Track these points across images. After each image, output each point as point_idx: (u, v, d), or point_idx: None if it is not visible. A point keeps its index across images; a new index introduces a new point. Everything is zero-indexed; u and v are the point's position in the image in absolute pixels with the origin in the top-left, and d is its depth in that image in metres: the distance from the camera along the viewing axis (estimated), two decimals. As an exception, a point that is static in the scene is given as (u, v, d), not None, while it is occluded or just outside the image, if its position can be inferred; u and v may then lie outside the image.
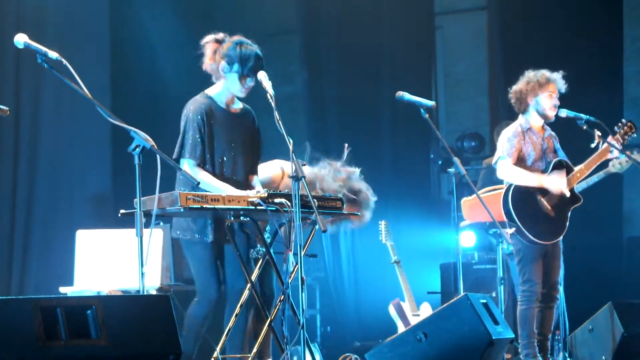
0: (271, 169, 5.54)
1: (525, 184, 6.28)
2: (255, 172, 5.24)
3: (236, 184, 5.02)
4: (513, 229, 6.16)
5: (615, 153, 6.43)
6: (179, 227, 5.05)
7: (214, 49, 5.12)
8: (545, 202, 6.29)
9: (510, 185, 6.30)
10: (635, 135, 6.51)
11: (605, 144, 6.39)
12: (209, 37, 5.15)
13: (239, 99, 5.21)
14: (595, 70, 8.78)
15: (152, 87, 8.93)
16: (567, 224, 6.32)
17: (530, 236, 6.17)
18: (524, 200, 6.27)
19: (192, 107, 5.06)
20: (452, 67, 10.32)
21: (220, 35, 5.15)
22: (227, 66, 5.07)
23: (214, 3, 9.79)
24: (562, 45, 8.78)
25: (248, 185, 5.14)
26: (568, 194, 6.33)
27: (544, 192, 6.32)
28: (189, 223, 5.01)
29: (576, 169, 6.40)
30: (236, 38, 5.12)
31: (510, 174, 6.29)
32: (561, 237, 6.34)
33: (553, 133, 6.53)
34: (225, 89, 5.13)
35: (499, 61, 9.28)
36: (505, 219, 6.13)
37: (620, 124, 6.51)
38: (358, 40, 9.44)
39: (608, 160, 6.58)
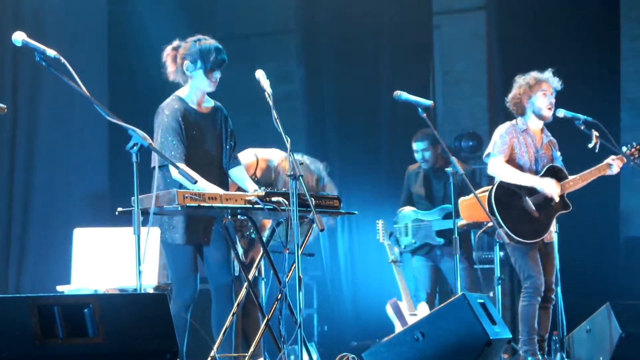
0: (245, 157, 5.57)
1: (517, 182, 6.28)
2: (233, 165, 5.24)
3: (214, 181, 5.02)
4: (490, 224, 6.17)
5: (614, 171, 6.43)
6: (159, 225, 5.06)
7: (172, 56, 5.15)
8: (530, 202, 6.29)
9: (496, 182, 6.32)
10: None
11: (606, 163, 6.40)
12: (167, 49, 5.18)
13: (210, 95, 5.22)
14: (593, 70, 8.78)
15: (150, 85, 8.91)
16: (551, 226, 6.32)
17: (511, 234, 6.17)
18: (507, 198, 6.27)
19: (167, 112, 5.07)
20: (451, 66, 10.32)
21: (176, 43, 5.18)
22: (190, 65, 5.10)
23: (212, 2, 9.78)
24: (559, 45, 8.78)
25: (226, 180, 5.18)
26: (557, 199, 6.32)
27: (531, 192, 6.32)
28: (165, 223, 5.02)
29: (570, 177, 6.39)
30: (193, 37, 5.15)
31: (502, 171, 6.30)
32: (545, 238, 6.32)
33: (553, 139, 6.52)
34: (194, 87, 5.15)
35: (497, 61, 9.28)
36: (488, 215, 6.13)
37: (629, 145, 6.52)
38: (356, 39, 9.43)
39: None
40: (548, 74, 6.41)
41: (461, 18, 10.32)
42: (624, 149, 6.52)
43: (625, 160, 6.44)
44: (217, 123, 5.22)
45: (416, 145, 7.55)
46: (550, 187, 6.27)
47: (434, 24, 9.83)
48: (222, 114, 5.26)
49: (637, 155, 6.50)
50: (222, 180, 5.17)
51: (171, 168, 4.84)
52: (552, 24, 8.95)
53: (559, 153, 6.52)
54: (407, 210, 7.52)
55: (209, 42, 5.12)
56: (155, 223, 5.03)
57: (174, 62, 5.15)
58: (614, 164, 6.41)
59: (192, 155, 5.05)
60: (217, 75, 5.11)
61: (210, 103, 5.25)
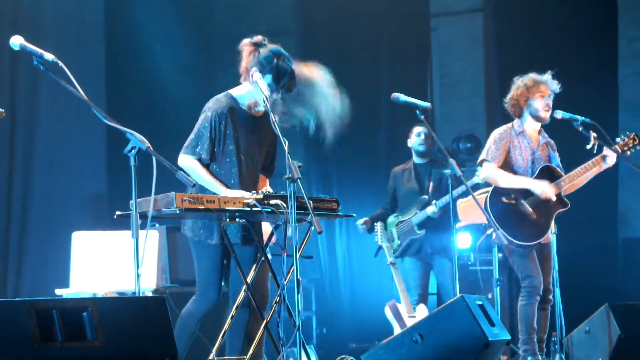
0: None
1: (512, 186, 6.28)
2: (268, 174, 5.25)
3: (247, 185, 5.03)
4: (491, 230, 6.18)
5: (609, 163, 6.41)
6: (188, 226, 5.06)
7: (249, 52, 5.03)
8: (526, 205, 6.29)
9: (490, 189, 6.32)
10: (638, 147, 6.48)
11: (600, 155, 6.38)
12: (247, 40, 5.06)
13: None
14: (591, 72, 8.79)
15: (148, 88, 8.93)
16: (551, 226, 6.31)
17: (511, 238, 6.17)
18: (504, 203, 6.27)
19: (213, 107, 5.04)
20: (448, 68, 10.32)
21: (259, 38, 5.06)
22: (258, 74, 4.96)
23: (211, 3, 9.79)
24: (557, 47, 8.79)
25: (257, 187, 5.16)
26: (554, 199, 6.31)
27: (526, 194, 6.32)
28: (197, 223, 5.01)
29: (566, 175, 6.38)
30: (274, 46, 5.02)
31: (495, 177, 6.30)
32: (543, 239, 6.31)
33: (551, 140, 6.52)
34: (251, 94, 5.08)
35: (494, 62, 9.29)
36: (486, 216, 6.13)
37: (622, 135, 6.50)
38: (354, 42, 9.45)
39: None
40: (547, 76, 6.40)
41: (459, 20, 10.32)
42: (618, 139, 6.50)
43: (619, 151, 6.41)
44: (267, 127, 5.12)
45: (418, 129, 7.58)
46: (545, 189, 6.27)
47: (431, 25, 9.84)
48: (271, 119, 5.17)
49: (631, 145, 6.48)
50: (256, 186, 5.14)
51: (181, 157, 4.89)
52: (549, 26, 8.95)
53: (557, 154, 6.51)
54: (389, 219, 7.55)
55: (287, 62, 4.97)
56: (188, 224, 5.05)
57: (248, 57, 5.02)
58: (608, 156, 6.38)
59: (232, 156, 5.03)
60: (277, 96, 4.96)
61: (261, 107, 5.14)
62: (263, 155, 5.20)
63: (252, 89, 5.05)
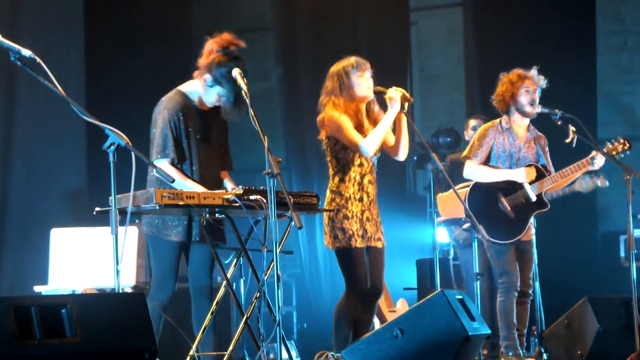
0: None
1: (492, 180, 6.29)
2: (227, 167, 5.24)
3: (210, 179, 5.03)
4: (468, 224, 6.18)
5: (597, 166, 6.40)
6: (146, 223, 5.05)
7: (209, 51, 5.02)
8: (506, 203, 6.31)
9: (471, 184, 6.34)
10: (628, 152, 6.46)
11: (587, 158, 6.38)
12: (214, 40, 5.03)
13: None
14: (569, 66, 8.81)
15: (127, 84, 8.89)
16: (527, 226, 6.31)
17: (486, 236, 6.19)
18: (483, 199, 6.29)
19: (168, 106, 5.02)
20: (428, 62, 10.33)
21: (226, 40, 5.04)
22: (210, 81, 4.99)
23: (189, -1, 9.76)
24: (536, 41, 8.82)
25: (220, 180, 5.15)
26: (534, 198, 6.32)
27: (506, 192, 6.33)
28: (155, 220, 5.00)
29: (550, 176, 6.38)
30: (232, 61, 4.99)
31: (477, 174, 6.32)
32: (522, 236, 6.32)
33: (541, 135, 6.48)
34: (200, 92, 5.08)
35: (474, 57, 9.30)
36: (467, 211, 6.15)
37: (613, 139, 6.49)
38: (333, 36, 9.44)
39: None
40: (533, 71, 6.41)
41: (438, 14, 10.34)
42: (608, 144, 6.49)
43: (607, 155, 6.39)
44: (217, 119, 5.15)
45: (473, 122, 7.69)
46: (521, 176, 6.28)
47: (411, 20, 9.84)
48: (220, 109, 5.15)
49: (620, 150, 6.46)
50: (218, 179, 5.14)
51: (158, 164, 4.87)
52: (528, 20, 8.98)
53: (547, 151, 6.46)
54: None
55: (242, 81, 4.90)
56: (145, 219, 5.03)
57: (208, 54, 5.00)
58: (596, 160, 6.38)
59: (190, 152, 5.02)
60: (224, 104, 5.01)
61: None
62: (218, 149, 5.17)
63: (204, 92, 5.05)
